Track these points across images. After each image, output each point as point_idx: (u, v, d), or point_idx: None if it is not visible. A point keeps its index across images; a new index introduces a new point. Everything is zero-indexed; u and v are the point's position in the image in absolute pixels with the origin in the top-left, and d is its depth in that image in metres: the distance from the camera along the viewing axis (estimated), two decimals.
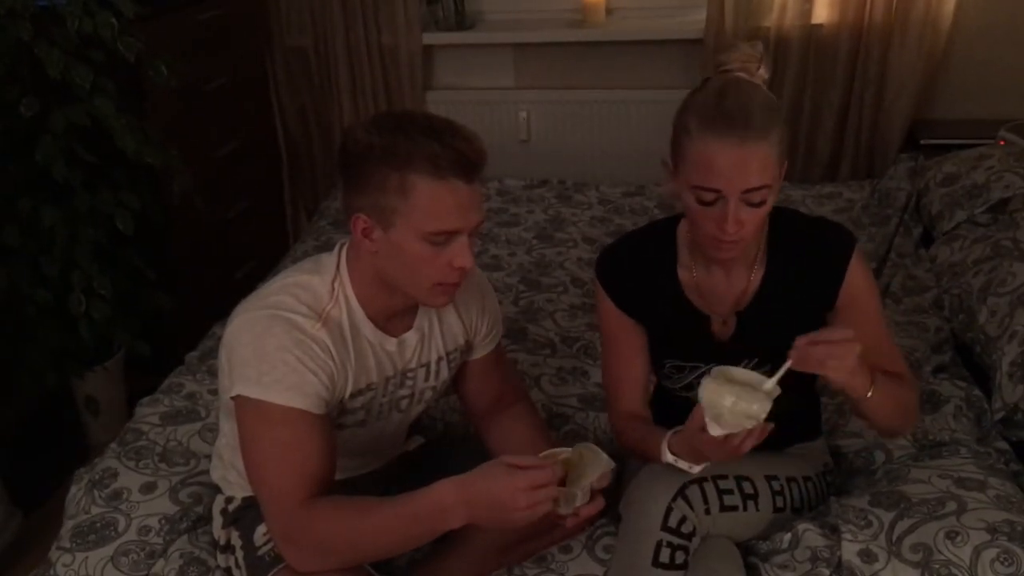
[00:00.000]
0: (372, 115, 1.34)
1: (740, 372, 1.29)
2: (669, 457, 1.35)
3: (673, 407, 1.46)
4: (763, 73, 1.34)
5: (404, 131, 1.26)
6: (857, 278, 1.42)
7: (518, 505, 1.19)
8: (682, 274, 1.48)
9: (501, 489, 1.20)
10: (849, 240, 1.43)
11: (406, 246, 1.28)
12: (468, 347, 1.54)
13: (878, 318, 1.46)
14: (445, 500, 1.23)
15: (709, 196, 1.29)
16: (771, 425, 1.24)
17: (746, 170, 1.26)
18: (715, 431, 1.23)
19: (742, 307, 1.46)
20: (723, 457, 1.28)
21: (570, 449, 1.32)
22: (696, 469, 1.34)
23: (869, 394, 1.32)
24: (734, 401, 1.24)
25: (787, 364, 1.25)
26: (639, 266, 1.50)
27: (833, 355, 1.24)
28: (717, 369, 1.29)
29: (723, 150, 1.26)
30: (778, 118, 1.30)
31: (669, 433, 1.36)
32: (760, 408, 1.23)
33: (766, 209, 1.31)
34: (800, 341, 1.25)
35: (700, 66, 3.11)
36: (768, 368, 1.41)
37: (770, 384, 1.25)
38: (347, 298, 1.37)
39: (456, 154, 1.24)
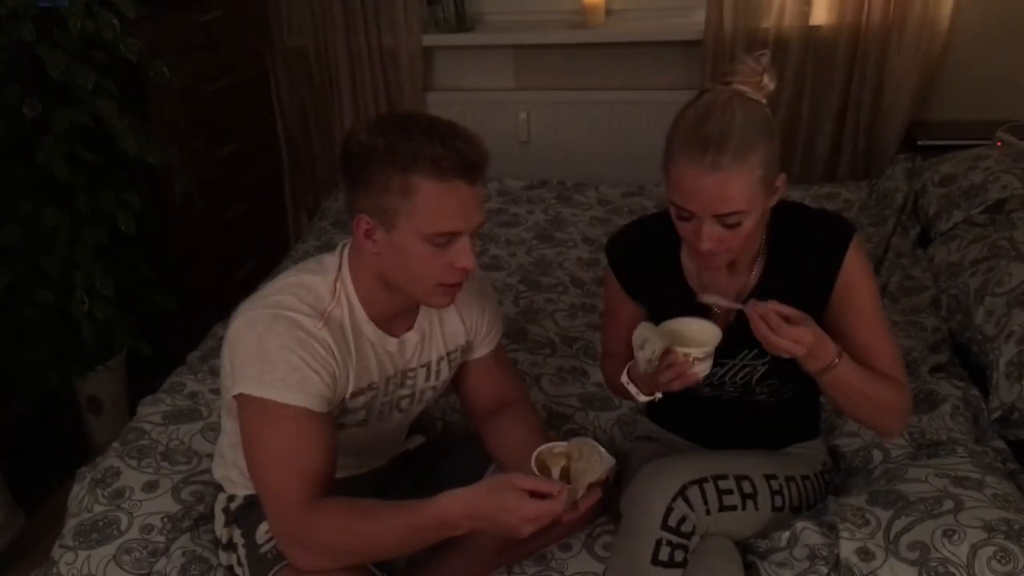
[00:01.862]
0: (375, 116, 1.34)
1: (688, 324, 1.40)
2: (624, 378, 1.45)
3: (675, 395, 1.45)
4: (768, 85, 1.32)
5: (407, 132, 1.26)
6: (853, 270, 1.41)
7: (524, 530, 1.22)
8: (686, 264, 1.49)
9: (509, 514, 1.21)
10: (847, 230, 1.42)
11: (408, 247, 1.29)
12: (468, 347, 1.55)
13: (873, 315, 1.44)
14: (450, 515, 1.23)
15: (684, 214, 1.32)
16: (697, 354, 1.33)
17: (718, 196, 1.27)
18: (636, 367, 1.39)
19: (742, 300, 1.46)
20: (656, 388, 1.40)
21: (566, 444, 1.33)
22: (642, 398, 1.44)
23: (826, 370, 1.35)
24: (645, 347, 1.35)
25: (736, 308, 1.35)
26: (646, 251, 1.52)
27: (771, 343, 1.29)
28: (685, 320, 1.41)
29: (696, 175, 1.27)
30: (763, 140, 1.28)
31: (632, 361, 1.44)
32: (656, 351, 1.34)
33: (745, 229, 1.31)
34: (759, 308, 1.30)
35: (700, 67, 3.12)
36: (766, 359, 1.44)
37: (695, 331, 1.38)
38: (349, 298, 1.37)
39: (458, 156, 1.25)
